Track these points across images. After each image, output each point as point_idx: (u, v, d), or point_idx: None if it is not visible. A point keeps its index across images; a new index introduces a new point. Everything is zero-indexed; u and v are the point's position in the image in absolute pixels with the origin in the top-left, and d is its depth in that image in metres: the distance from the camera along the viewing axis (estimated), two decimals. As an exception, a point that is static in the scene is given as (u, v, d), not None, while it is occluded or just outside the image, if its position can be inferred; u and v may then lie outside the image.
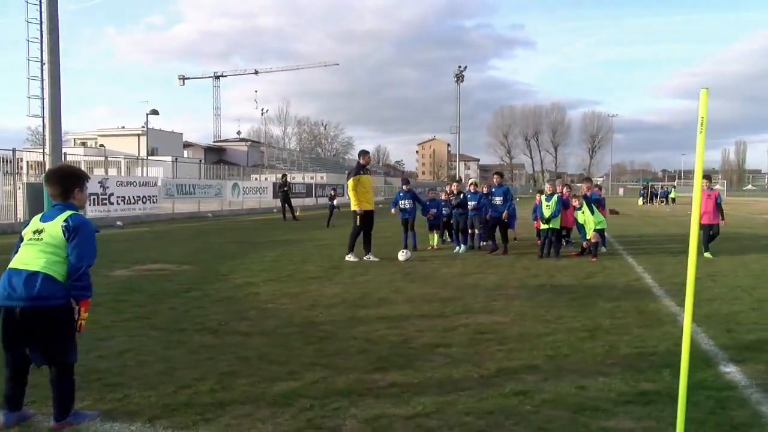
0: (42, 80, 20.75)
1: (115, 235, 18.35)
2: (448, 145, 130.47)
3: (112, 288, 8.44)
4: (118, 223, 23.35)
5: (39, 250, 3.60)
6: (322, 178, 55.25)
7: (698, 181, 3.12)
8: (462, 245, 13.23)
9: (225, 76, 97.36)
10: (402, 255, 11.43)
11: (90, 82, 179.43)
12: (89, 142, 62.72)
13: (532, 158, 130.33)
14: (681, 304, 7.19)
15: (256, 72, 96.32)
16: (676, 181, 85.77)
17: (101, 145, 55.13)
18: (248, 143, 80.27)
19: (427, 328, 6.09)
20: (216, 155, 77.29)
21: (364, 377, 4.54)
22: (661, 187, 54.17)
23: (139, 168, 36.15)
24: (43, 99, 20.76)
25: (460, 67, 77.20)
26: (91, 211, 23.33)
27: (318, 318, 6.59)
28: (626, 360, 4.97)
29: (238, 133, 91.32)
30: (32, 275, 3.51)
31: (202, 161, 67.48)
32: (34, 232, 3.70)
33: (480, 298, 7.74)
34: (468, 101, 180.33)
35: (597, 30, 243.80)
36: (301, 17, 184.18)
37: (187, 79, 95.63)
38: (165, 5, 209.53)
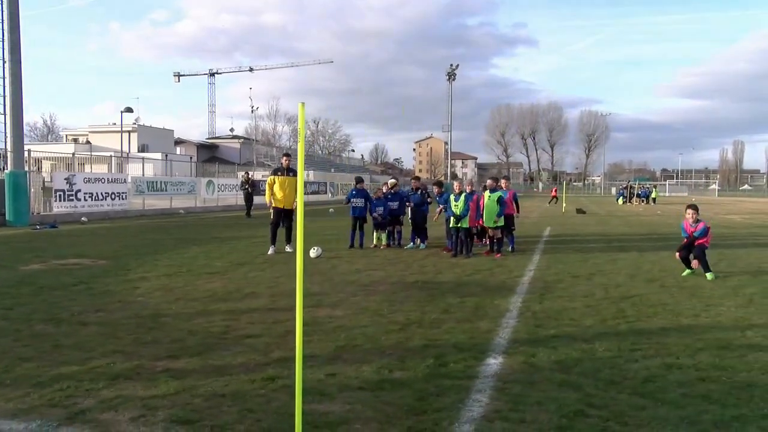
0: (3, 78, 21.13)
1: (70, 230, 18.79)
2: (445, 143, 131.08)
3: (8, 281, 8.87)
4: (82, 218, 23.81)
5: None
6: (308, 175, 55.61)
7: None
8: (415, 242, 13.96)
9: (219, 73, 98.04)
10: (313, 252, 11.83)
11: (96, 78, 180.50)
12: (81, 139, 63.32)
13: (528, 157, 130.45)
14: (528, 300, 7.61)
15: (251, 69, 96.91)
16: (679, 180, 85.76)
17: (87, 142, 55.68)
18: (241, 140, 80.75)
19: (259, 321, 6.47)
20: (208, 152, 77.87)
21: (145, 363, 4.94)
22: (642, 187, 54.32)
23: (129, 164, 36.69)
24: (4, 97, 21.13)
25: (452, 65, 77.44)
26: (57, 207, 23.82)
27: (168, 311, 6.99)
28: (407, 350, 5.35)
29: (231, 130, 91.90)
30: None
31: (194, 158, 68.10)
32: None
33: (344, 293, 8.12)
34: (469, 99, 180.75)
35: (600, 29, 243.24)
36: (304, 15, 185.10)
37: (182, 76, 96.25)
38: (169, 1, 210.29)
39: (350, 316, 6.74)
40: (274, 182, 12.69)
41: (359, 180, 15.14)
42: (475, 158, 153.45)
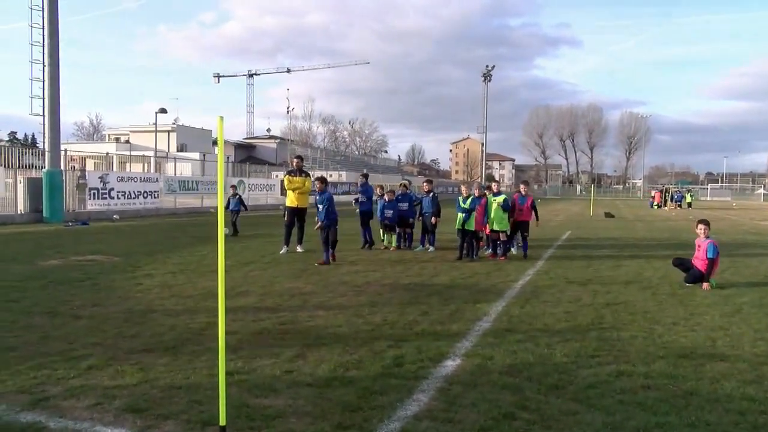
0: (42, 81, 22.07)
1: (99, 228, 19.56)
2: (482, 144, 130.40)
3: (22, 275, 9.41)
4: (114, 216, 24.69)
5: None
6: (340, 176, 56.15)
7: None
8: (425, 245, 14.03)
9: (258, 74, 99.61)
10: (300, 248, 12.76)
11: (141, 78, 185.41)
12: (122, 138, 65.23)
13: (567, 159, 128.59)
14: (511, 305, 7.73)
15: (288, 70, 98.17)
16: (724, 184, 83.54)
17: (127, 141, 57.34)
18: (277, 141, 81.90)
19: (240, 319, 6.76)
20: (245, 152, 79.22)
21: (120, 355, 5.27)
22: (678, 191, 53.05)
23: (171, 164, 37.76)
24: (43, 99, 22.08)
25: (487, 66, 77.18)
26: (91, 205, 24.75)
27: (159, 307, 7.35)
28: (370, 351, 5.54)
29: (268, 130, 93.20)
30: None
31: (231, 158, 69.44)
32: None
33: (333, 294, 8.37)
34: (511, 100, 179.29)
35: (646, 28, 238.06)
36: (347, 15, 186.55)
37: (222, 77, 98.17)
38: (217, 2, 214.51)
39: (329, 316, 6.98)
40: (288, 182, 13.06)
41: (365, 176, 15.51)
42: (513, 160, 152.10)
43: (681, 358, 5.45)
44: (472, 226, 12.27)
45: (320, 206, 11.82)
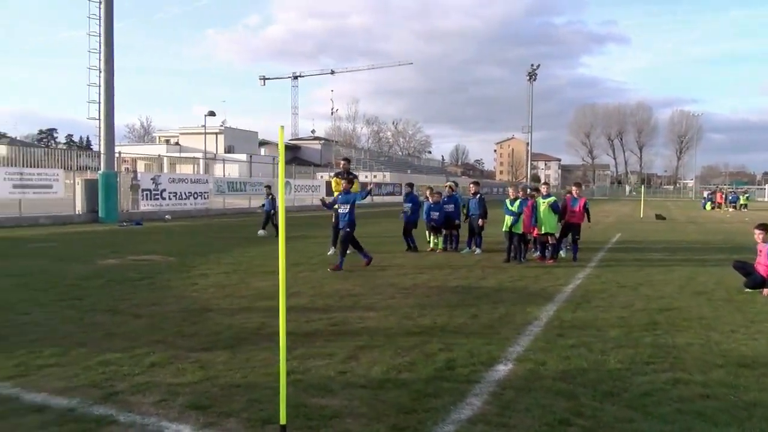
0: (99, 86, 22.89)
1: (152, 228, 20.19)
2: (527, 144, 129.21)
3: (84, 274, 9.82)
4: (166, 216, 25.42)
5: None
6: (384, 177, 56.35)
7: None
8: (472, 248, 13.96)
9: (302, 76, 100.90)
10: (330, 251, 12.98)
11: (189, 81, 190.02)
12: (172, 140, 66.95)
13: (615, 159, 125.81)
14: (562, 309, 7.68)
15: (332, 72, 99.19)
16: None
17: (177, 143, 58.82)
18: (322, 142, 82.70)
19: (293, 319, 6.89)
20: (290, 153, 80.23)
21: (180, 353, 5.47)
22: (732, 192, 51.27)
23: (219, 165, 38.64)
24: (99, 103, 22.90)
25: (533, 65, 76.29)
26: (144, 206, 25.54)
27: (215, 306, 7.57)
28: (421, 353, 5.60)
29: (313, 131, 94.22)
30: None
31: (276, 159, 70.43)
32: None
33: (382, 296, 8.45)
34: (555, 99, 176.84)
35: (698, 24, 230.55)
36: (389, 16, 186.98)
37: (267, 79, 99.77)
38: (261, 6, 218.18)
39: (380, 318, 7.07)
40: (337, 184, 13.28)
41: (409, 185, 15.56)
42: (559, 160, 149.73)
43: (741, 368, 5.33)
44: (519, 228, 12.20)
45: (344, 206, 11.23)
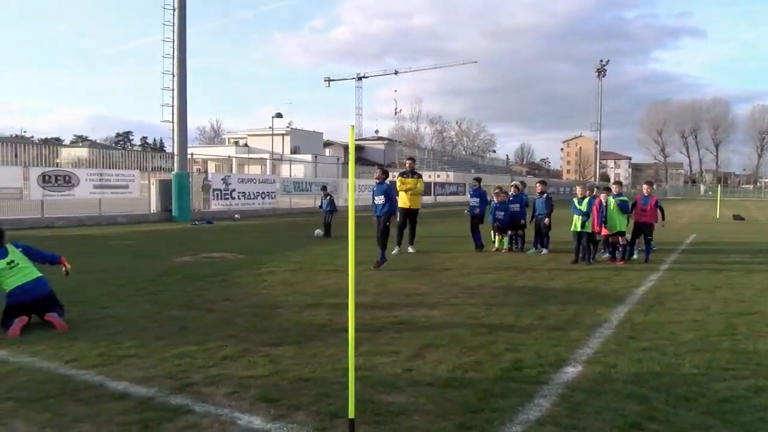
0: (172, 90, 23.83)
1: (222, 226, 20.85)
2: (595, 142, 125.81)
3: (161, 271, 10.26)
4: (235, 215, 26.17)
5: (25, 266, 6.37)
6: (448, 176, 56.10)
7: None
8: (538, 248, 13.79)
9: (367, 77, 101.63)
10: (411, 248, 13.16)
11: (257, 84, 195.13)
12: (240, 141, 68.88)
13: (689, 157, 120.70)
14: (634, 312, 7.47)
15: (396, 72, 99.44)
16: None
17: (245, 145, 60.44)
18: (385, 142, 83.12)
19: (358, 316, 6.95)
20: (354, 153, 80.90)
21: (251, 347, 5.64)
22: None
23: (285, 165, 39.54)
24: (173, 106, 23.83)
25: (601, 61, 74.29)
26: (215, 205, 26.39)
27: (283, 303, 7.76)
28: (488, 353, 5.56)
29: (376, 132, 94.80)
30: (40, 279, 6.40)
31: (341, 159, 71.32)
32: (9, 264, 6.31)
33: (447, 295, 8.43)
34: (626, 96, 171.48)
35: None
36: (454, 15, 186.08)
37: (332, 80, 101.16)
38: (327, 9, 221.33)
39: (445, 317, 7.06)
40: (401, 184, 13.30)
41: (477, 179, 15.46)
42: (629, 158, 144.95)
43: (830, 376, 5.03)
44: (588, 228, 11.90)
45: (379, 197, 11.47)
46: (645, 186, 13.09)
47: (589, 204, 11.90)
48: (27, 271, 6.36)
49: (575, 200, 12.17)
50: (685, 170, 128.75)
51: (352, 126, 3.53)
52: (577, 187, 12.92)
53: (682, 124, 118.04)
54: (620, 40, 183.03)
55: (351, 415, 3.72)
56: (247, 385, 4.63)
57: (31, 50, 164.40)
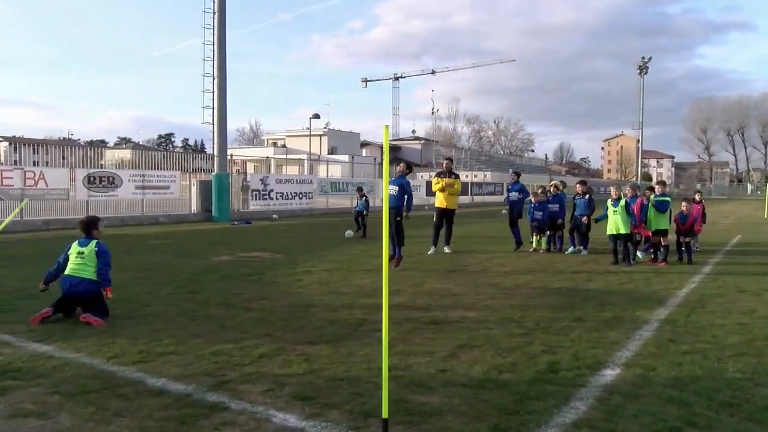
0: (212, 92, 24.24)
1: (261, 226, 21.12)
2: (637, 141, 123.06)
3: (201, 269, 10.46)
4: (273, 215, 26.47)
5: (86, 263, 6.62)
6: (485, 176, 55.68)
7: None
8: (577, 247, 13.64)
9: (404, 77, 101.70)
10: (447, 249, 13.19)
11: (295, 85, 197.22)
12: (278, 142, 69.68)
13: (735, 155, 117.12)
14: (675, 314, 7.30)
15: (433, 72, 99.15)
16: None
17: (284, 146, 61.10)
18: (422, 142, 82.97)
19: (393, 316, 6.97)
20: (391, 153, 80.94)
21: (287, 346, 5.69)
22: None
23: (322, 166, 39.86)
24: (213, 108, 24.25)
25: (643, 58, 72.82)
26: (253, 205, 26.74)
27: (319, 302, 7.82)
28: (523, 354, 5.51)
29: (413, 132, 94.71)
30: (85, 281, 6.56)
31: (377, 159, 71.50)
32: (78, 253, 6.66)
33: (483, 296, 8.37)
34: (669, 93, 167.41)
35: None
36: (493, 14, 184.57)
37: (369, 81, 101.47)
38: (366, 9, 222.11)
39: (480, 318, 7.01)
40: (437, 183, 13.27)
41: (516, 174, 15.38)
42: (672, 157, 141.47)
43: None
44: (623, 229, 11.59)
45: (393, 187, 11.09)
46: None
47: (627, 204, 11.67)
48: (82, 268, 6.61)
49: (609, 201, 11.94)
50: (730, 169, 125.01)
51: (386, 126, 3.53)
52: (611, 188, 12.63)
53: (728, 121, 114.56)
54: (663, 36, 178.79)
55: (385, 414, 3.73)
56: (283, 384, 4.68)
57: (79, 55, 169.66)
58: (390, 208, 10.81)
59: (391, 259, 10.48)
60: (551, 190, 14.40)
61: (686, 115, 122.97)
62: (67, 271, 6.63)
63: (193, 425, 3.86)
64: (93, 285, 6.60)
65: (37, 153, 28.21)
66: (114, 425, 3.85)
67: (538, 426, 3.92)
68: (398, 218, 11.02)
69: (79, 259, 6.64)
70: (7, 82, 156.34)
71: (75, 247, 6.75)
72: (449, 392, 4.52)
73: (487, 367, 5.13)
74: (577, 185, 14.58)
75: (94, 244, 6.73)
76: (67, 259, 6.74)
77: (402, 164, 11.69)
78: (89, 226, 6.92)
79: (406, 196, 11.26)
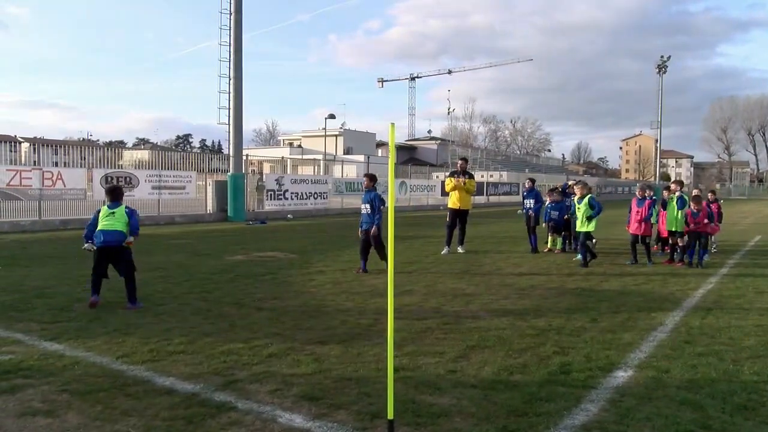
0: (228, 93, 24.36)
1: (276, 226, 21.19)
2: (656, 140, 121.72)
3: (214, 269, 10.50)
4: (288, 215, 26.55)
5: (116, 220, 7.36)
6: (501, 176, 55.41)
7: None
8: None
9: (420, 77, 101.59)
10: (461, 249, 13.15)
11: (312, 86, 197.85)
12: (295, 143, 69.93)
13: (756, 155, 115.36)
14: (691, 315, 7.19)
15: (449, 72, 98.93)
16: None
17: (300, 146, 61.28)
18: (438, 142, 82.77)
19: (404, 317, 6.96)
20: (407, 153, 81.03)
21: (297, 346, 5.68)
22: None
23: (338, 166, 39.94)
24: (229, 109, 24.37)
25: (662, 57, 71.91)
26: (268, 205, 26.83)
27: (331, 302, 7.80)
28: (535, 355, 5.44)
29: (429, 132, 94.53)
30: (116, 231, 7.30)
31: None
32: (110, 214, 7.40)
33: (496, 296, 8.31)
34: (690, 92, 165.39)
35: None
36: (512, 13, 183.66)
37: (385, 81, 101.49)
38: (382, 9, 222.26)
39: (493, 318, 6.95)
40: (449, 183, 13.27)
41: (531, 180, 15.16)
42: (691, 157, 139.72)
43: None
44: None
45: (365, 205, 10.40)
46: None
47: (639, 204, 11.54)
48: (112, 224, 7.33)
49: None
50: (751, 169, 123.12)
51: (392, 124, 3.50)
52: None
53: (750, 120, 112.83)
54: (684, 35, 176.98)
55: (390, 415, 3.70)
56: (291, 383, 4.66)
57: (101, 58, 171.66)
58: (362, 230, 10.52)
59: (359, 270, 10.28)
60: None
61: (706, 114, 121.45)
62: (99, 227, 7.34)
63: (200, 425, 3.86)
64: (123, 236, 7.36)
65: (57, 154, 28.57)
66: (121, 424, 3.86)
67: (547, 428, 3.87)
68: (374, 236, 10.23)
69: (110, 218, 7.37)
70: (31, 85, 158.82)
71: (105, 210, 7.47)
72: (458, 393, 4.48)
73: (497, 368, 5.08)
74: (575, 187, 14.36)
75: (123, 207, 7.51)
76: (97, 221, 7.43)
77: (366, 178, 10.81)
78: (118, 193, 7.74)
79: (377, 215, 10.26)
